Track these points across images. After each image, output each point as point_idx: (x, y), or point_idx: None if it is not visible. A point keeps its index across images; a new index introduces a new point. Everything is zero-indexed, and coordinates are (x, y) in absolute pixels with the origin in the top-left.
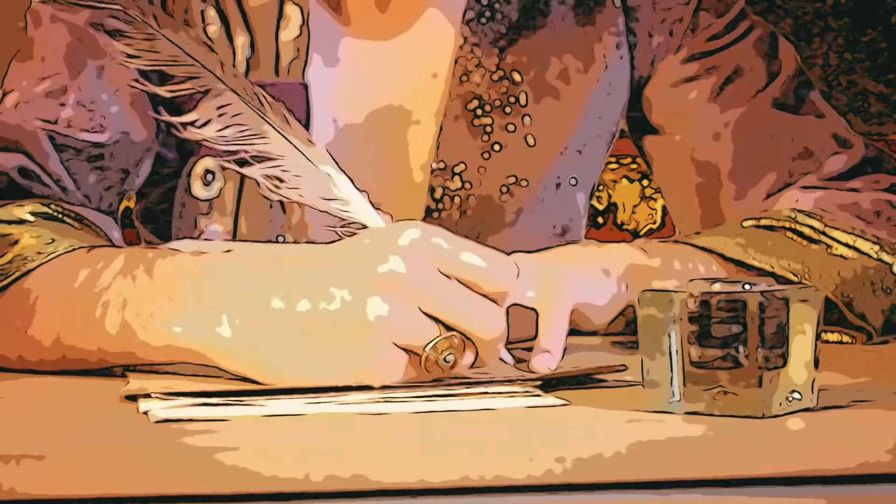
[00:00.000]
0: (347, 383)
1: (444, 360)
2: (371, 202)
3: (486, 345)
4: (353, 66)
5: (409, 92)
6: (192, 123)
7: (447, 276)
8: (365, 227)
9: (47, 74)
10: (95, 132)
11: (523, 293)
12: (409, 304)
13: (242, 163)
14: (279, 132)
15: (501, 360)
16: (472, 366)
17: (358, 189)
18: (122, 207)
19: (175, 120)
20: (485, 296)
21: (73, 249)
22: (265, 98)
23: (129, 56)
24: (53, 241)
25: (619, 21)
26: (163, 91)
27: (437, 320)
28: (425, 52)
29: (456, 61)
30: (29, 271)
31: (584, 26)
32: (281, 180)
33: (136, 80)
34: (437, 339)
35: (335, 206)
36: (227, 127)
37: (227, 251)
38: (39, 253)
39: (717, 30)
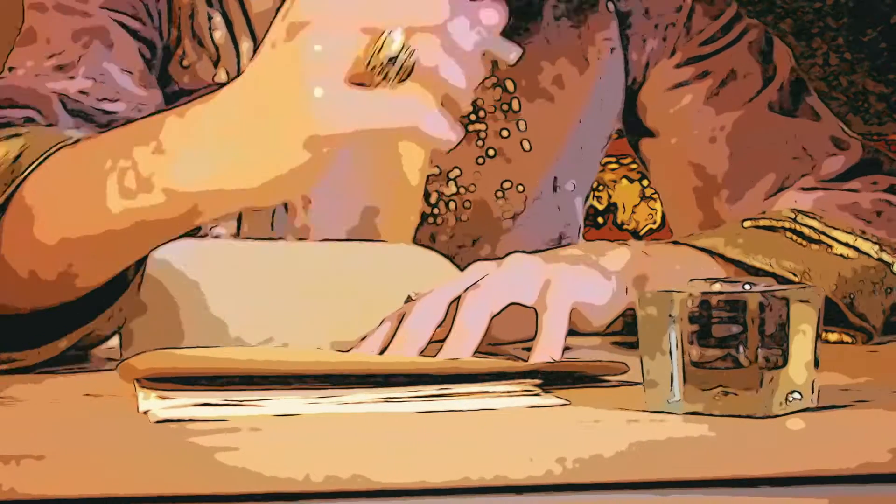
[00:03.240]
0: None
1: (388, 61)
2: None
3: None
4: None
5: None
6: None
7: None
8: None
9: (55, 52)
10: (109, 101)
11: (522, 292)
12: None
13: None
14: None
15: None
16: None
17: None
18: None
19: None
20: None
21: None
22: None
23: None
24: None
25: (612, 25)
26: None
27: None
28: None
29: None
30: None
31: (578, 31)
32: None
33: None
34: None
35: None
36: None
37: None
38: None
39: (711, 34)
